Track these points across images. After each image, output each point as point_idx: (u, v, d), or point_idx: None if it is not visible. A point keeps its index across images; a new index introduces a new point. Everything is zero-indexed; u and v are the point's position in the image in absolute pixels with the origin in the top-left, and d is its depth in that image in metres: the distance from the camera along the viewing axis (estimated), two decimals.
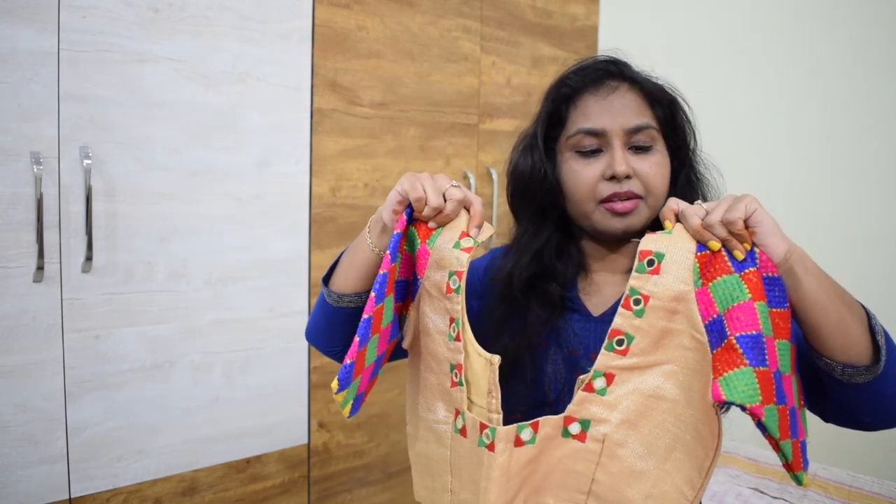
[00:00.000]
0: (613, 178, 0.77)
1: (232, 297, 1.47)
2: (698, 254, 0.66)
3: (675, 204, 0.69)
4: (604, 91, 0.80)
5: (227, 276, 1.46)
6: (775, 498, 1.50)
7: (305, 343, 1.60)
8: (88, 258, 1.26)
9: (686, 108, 0.84)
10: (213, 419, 1.47)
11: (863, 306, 0.68)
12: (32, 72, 1.19)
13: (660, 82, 0.83)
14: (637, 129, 0.78)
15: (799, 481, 0.65)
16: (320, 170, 1.59)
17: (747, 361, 0.60)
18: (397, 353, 0.84)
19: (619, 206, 0.77)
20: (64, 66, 1.22)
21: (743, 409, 0.59)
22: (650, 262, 0.67)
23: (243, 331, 1.50)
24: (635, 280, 0.67)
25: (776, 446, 0.62)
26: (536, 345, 0.82)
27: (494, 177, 1.93)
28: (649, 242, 0.67)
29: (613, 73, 0.81)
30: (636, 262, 0.67)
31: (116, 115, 1.29)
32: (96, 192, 1.28)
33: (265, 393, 1.54)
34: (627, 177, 0.77)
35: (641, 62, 0.86)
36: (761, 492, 1.53)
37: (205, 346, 1.44)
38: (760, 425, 0.60)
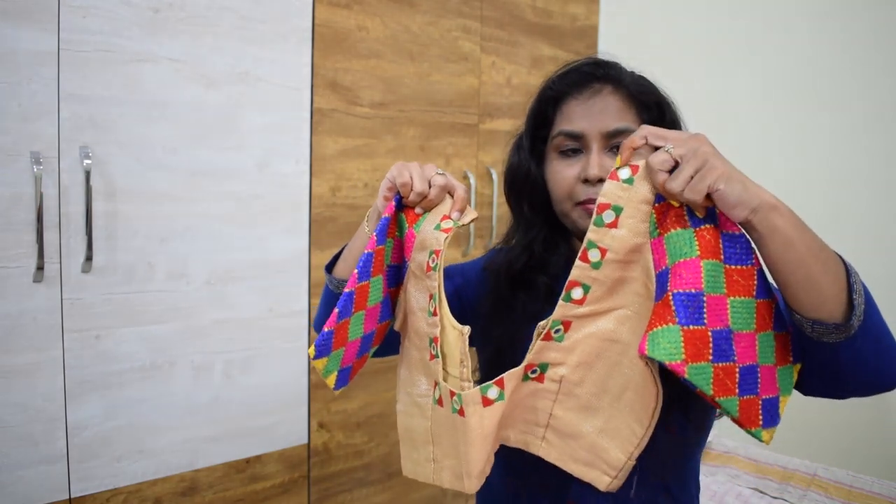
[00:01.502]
0: (588, 180, 0.79)
1: (232, 297, 1.48)
2: (656, 204, 0.66)
3: (641, 139, 0.66)
4: (586, 94, 0.81)
5: (227, 276, 1.46)
6: (775, 498, 1.50)
7: (305, 343, 1.60)
8: (88, 258, 1.26)
9: (676, 110, 0.84)
10: (213, 419, 1.47)
11: (845, 263, 0.66)
12: (32, 72, 1.19)
13: (648, 84, 0.83)
14: (616, 133, 0.79)
15: (757, 437, 0.65)
16: (320, 170, 1.59)
17: (676, 319, 0.61)
18: (391, 349, 0.87)
19: (593, 207, 0.78)
20: (64, 66, 1.22)
21: (663, 365, 0.60)
22: (608, 216, 0.68)
23: (243, 331, 1.50)
24: (593, 233, 0.69)
25: (713, 402, 0.63)
26: (526, 338, 0.83)
27: (494, 177, 1.93)
28: (608, 195, 0.68)
29: (598, 76, 0.82)
30: (594, 215, 0.68)
31: (116, 115, 1.29)
32: (96, 192, 1.28)
33: (265, 393, 1.54)
34: (601, 180, 0.78)
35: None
36: (761, 492, 1.53)
37: (205, 346, 1.44)
38: (687, 381, 0.61)
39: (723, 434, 1.86)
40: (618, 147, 0.79)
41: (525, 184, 0.87)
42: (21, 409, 1.23)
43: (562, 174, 0.82)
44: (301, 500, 1.64)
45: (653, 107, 0.81)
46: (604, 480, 0.74)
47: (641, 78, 0.84)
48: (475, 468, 0.74)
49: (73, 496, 1.30)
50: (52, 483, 1.27)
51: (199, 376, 1.44)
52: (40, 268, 1.21)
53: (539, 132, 0.86)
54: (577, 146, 0.81)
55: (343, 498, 1.71)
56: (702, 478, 1.58)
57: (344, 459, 1.71)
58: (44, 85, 1.21)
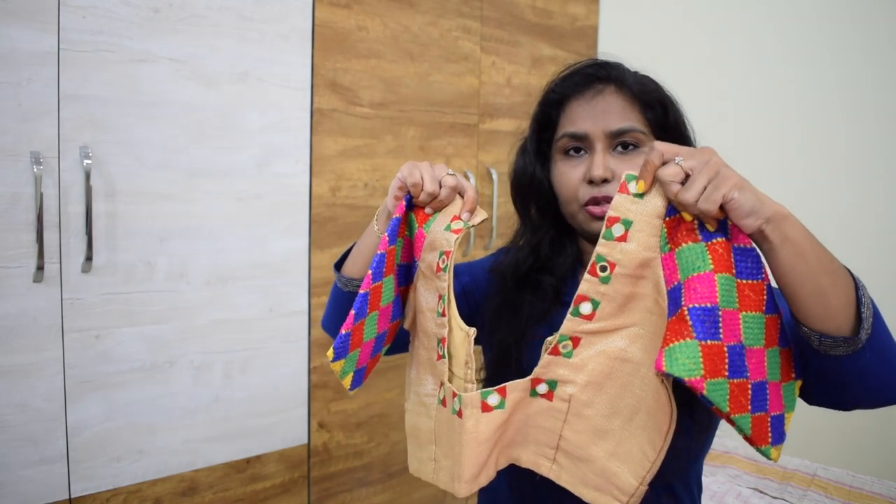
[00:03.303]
0: (592, 181, 0.79)
1: (232, 297, 1.48)
2: (667, 219, 0.66)
3: (659, 158, 0.65)
4: (589, 94, 0.81)
5: (227, 276, 1.46)
6: (775, 498, 1.50)
7: (305, 343, 1.60)
8: (88, 258, 1.26)
9: (680, 108, 0.84)
10: (213, 419, 1.47)
11: (853, 277, 0.65)
12: (32, 72, 1.19)
13: (651, 83, 0.83)
14: (620, 132, 0.79)
15: (766, 455, 0.64)
16: (320, 170, 1.59)
17: (694, 334, 0.59)
18: (401, 346, 0.87)
19: (598, 209, 0.79)
20: (64, 66, 1.22)
21: (682, 381, 0.59)
22: (618, 229, 0.67)
23: (243, 331, 1.50)
24: (602, 247, 0.68)
25: (728, 420, 0.62)
26: (532, 337, 0.84)
27: (494, 177, 1.93)
28: (618, 208, 0.67)
29: (601, 76, 0.82)
30: (603, 229, 0.68)
31: (116, 115, 1.29)
32: (96, 192, 1.28)
33: (265, 393, 1.54)
34: (606, 180, 0.78)
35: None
36: (761, 492, 1.53)
37: (205, 346, 1.44)
38: (705, 398, 0.59)
39: (723, 434, 1.86)
40: (622, 145, 0.79)
41: (531, 187, 0.88)
42: (21, 409, 1.23)
43: (567, 175, 0.82)
44: (301, 500, 1.64)
45: (656, 106, 0.81)
46: None
47: (645, 77, 0.84)
48: (466, 472, 0.74)
49: (73, 496, 1.30)
50: (52, 483, 1.27)
51: (199, 376, 1.44)
52: (40, 268, 1.21)
53: (544, 135, 0.87)
54: (581, 147, 0.81)
55: (343, 498, 1.71)
56: (702, 478, 1.58)
57: (344, 459, 1.71)
58: (44, 85, 1.21)
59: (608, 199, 0.78)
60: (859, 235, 1.74)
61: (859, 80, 1.74)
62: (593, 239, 0.82)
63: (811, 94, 1.82)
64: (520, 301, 0.86)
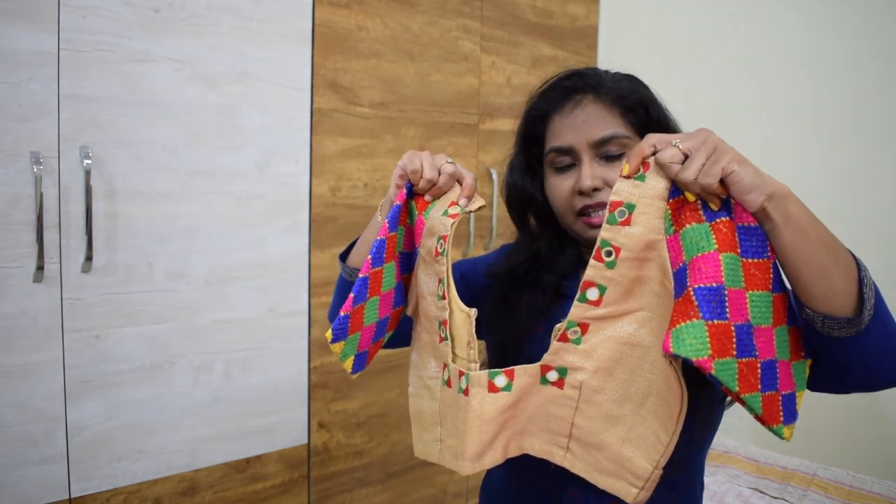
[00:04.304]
0: (582, 192, 0.80)
1: (232, 297, 1.48)
2: (670, 201, 0.65)
3: (649, 148, 0.66)
4: (568, 107, 0.82)
5: (227, 276, 1.46)
6: (775, 498, 1.50)
7: (306, 343, 1.60)
8: (88, 258, 1.26)
9: (662, 105, 0.84)
10: (213, 419, 1.47)
11: (855, 257, 0.66)
12: (32, 72, 1.19)
13: (629, 85, 0.83)
14: (604, 141, 0.80)
15: (778, 435, 0.64)
16: (320, 170, 1.59)
17: (700, 314, 0.59)
18: (403, 339, 0.89)
19: (595, 219, 0.80)
20: (64, 66, 1.22)
21: (689, 362, 0.58)
22: (621, 213, 0.67)
23: (243, 331, 1.50)
24: (606, 232, 0.68)
25: (738, 399, 0.61)
26: (532, 330, 0.85)
27: (494, 177, 1.93)
28: (620, 192, 0.67)
29: (578, 87, 0.83)
30: (607, 214, 0.68)
31: (116, 115, 1.29)
32: (96, 192, 1.28)
33: (265, 393, 1.54)
34: (596, 189, 0.79)
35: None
36: (761, 492, 1.53)
37: (205, 346, 1.44)
38: (714, 378, 0.59)
39: (723, 434, 1.86)
40: (610, 157, 0.80)
41: (522, 202, 0.90)
42: (21, 409, 1.23)
43: (559, 189, 0.83)
44: (301, 500, 1.64)
45: (637, 108, 0.81)
46: (631, 492, 0.71)
47: (623, 79, 0.84)
48: (469, 450, 0.74)
49: (73, 496, 1.30)
50: (52, 483, 1.27)
51: (199, 376, 1.44)
52: (40, 268, 1.21)
53: (533, 150, 0.88)
54: (570, 160, 0.82)
55: (343, 498, 1.71)
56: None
57: (344, 459, 1.71)
58: (44, 85, 1.21)
59: (601, 206, 0.79)
60: (859, 235, 1.74)
61: (864, 81, 1.74)
62: (593, 246, 0.83)
63: (812, 92, 1.82)
64: (518, 300, 0.87)
